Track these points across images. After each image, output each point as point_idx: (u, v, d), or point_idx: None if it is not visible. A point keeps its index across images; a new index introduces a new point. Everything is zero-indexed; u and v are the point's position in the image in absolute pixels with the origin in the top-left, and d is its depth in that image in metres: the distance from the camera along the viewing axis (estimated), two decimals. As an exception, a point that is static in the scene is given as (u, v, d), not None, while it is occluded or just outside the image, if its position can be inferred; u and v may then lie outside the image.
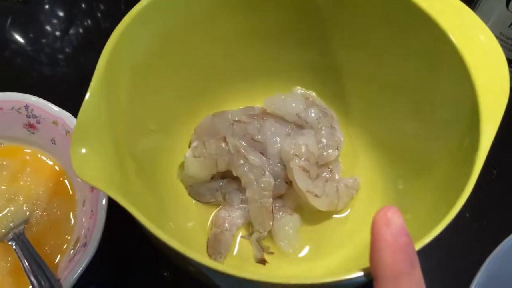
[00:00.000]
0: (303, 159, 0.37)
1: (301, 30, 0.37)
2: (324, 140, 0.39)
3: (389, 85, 0.36)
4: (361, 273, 0.22)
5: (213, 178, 0.39)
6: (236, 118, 0.39)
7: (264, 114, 0.40)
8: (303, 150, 0.37)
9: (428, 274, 0.37)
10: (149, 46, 0.32)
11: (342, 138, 0.39)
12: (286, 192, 0.38)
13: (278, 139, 0.38)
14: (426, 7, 0.29)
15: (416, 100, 0.33)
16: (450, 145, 0.29)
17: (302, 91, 0.41)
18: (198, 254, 0.24)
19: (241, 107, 0.41)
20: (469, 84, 0.27)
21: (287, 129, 0.40)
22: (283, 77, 0.41)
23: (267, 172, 0.36)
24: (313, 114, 0.40)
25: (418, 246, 0.23)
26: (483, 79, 0.27)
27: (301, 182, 0.36)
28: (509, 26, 0.40)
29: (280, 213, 0.37)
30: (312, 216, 0.38)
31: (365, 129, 0.40)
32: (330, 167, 0.39)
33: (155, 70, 0.34)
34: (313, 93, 0.41)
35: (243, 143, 0.38)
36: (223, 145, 0.37)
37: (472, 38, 0.29)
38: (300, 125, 0.40)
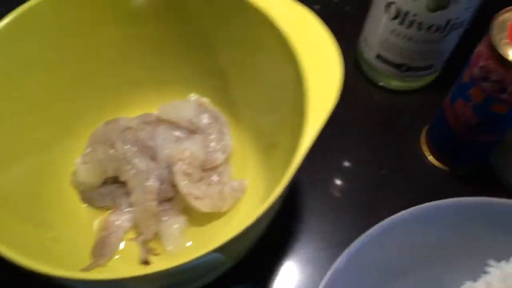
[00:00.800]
0: (186, 163, 0.38)
1: (181, 39, 0.39)
2: (212, 145, 0.41)
3: (256, 84, 0.38)
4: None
5: (105, 183, 0.40)
6: (128, 125, 0.40)
7: (160, 120, 0.42)
8: (187, 154, 0.39)
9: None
10: (26, 57, 0.34)
11: (231, 143, 0.41)
12: (175, 195, 0.39)
13: (167, 144, 0.40)
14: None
15: (272, 95, 0.36)
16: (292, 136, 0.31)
17: (196, 98, 0.43)
18: (32, 260, 0.25)
19: (139, 114, 0.42)
20: (302, 84, 0.29)
21: (180, 134, 0.41)
22: (179, 85, 0.43)
23: (151, 176, 0.38)
24: (204, 120, 0.42)
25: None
26: (314, 74, 0.29)
27: (182, 185, 0.38)
28: (391, 33, 0.42)
29: (167, 216, 0.39)
30: (200, 217, 0.39)
31: (251, 131, 0.41)
32: (219, 169, 0.41)
33: (35, 82, 0.35)
34: (207, 99, 0.43)
35: (135, 148, 0.40)
36: (111, 151, 0.39)
37: (307, 37, 0.31)
38: (193, 130, 0.42)
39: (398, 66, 0.44)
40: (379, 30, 0.43)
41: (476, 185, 0.43)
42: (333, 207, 0.42)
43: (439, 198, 0.40)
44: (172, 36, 0.39)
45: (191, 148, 0.39)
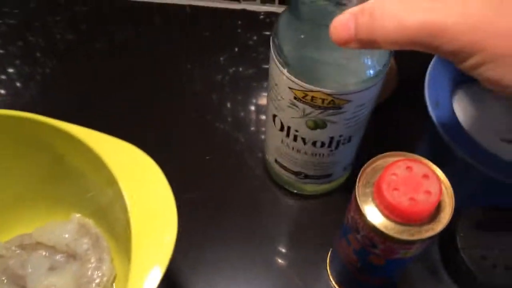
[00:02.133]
0: (51, 301, 0.35)
1: (53, 169, 0.37)
2: (89, 274, 0.38)
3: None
4: None
5: (-28, 315, 0.37)
6: (-4, 252, 0.38)
7: (37, 243, 0.39)
8: (52, 291, 0.36)
9: None
10: None
11: (109, 272, 0.38)
12: (44, 331, 0.37)
13: (38, 274, 0.37)
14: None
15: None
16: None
17: (79, 218, 0.40)
18: None
19: (17, 235, 0.40)
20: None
21: (59, 258, 0.39)
22: (61, 205, 0.40)
23: (12, 315, 0.35)
24: (84, 245, 0.39)
25: None
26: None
27: (43, 328, 0.35)
28: (282, 143, 0.39)
29: None
30: None
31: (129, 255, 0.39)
32: (96, 301, 0.38)
33: None
34: (91, 221, 0.40)
35: (3, 278, 0.37)
36: (-28, 285, 0.36)
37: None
38: (72, 255, 0.39)
39: (295, 174, 0.41)
40: (272, 137, 0.40)
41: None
42: None
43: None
44: (46, 165, 0.37)
45: (59, 283, 0.36)
